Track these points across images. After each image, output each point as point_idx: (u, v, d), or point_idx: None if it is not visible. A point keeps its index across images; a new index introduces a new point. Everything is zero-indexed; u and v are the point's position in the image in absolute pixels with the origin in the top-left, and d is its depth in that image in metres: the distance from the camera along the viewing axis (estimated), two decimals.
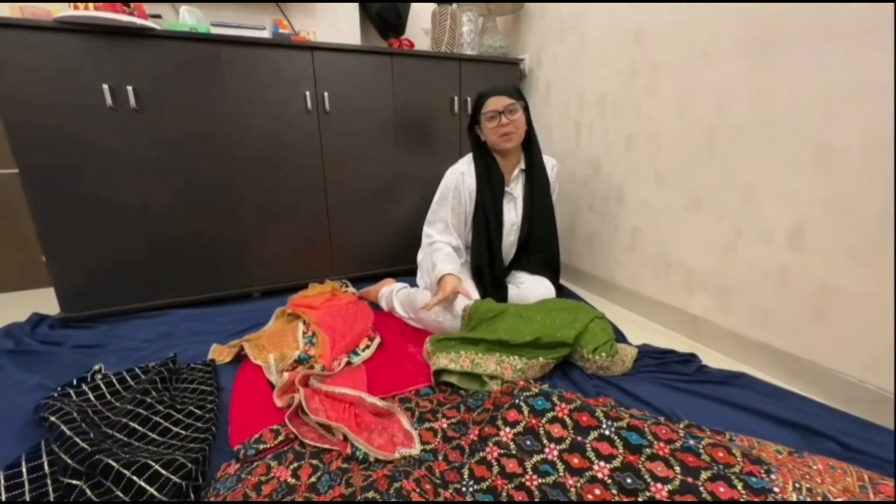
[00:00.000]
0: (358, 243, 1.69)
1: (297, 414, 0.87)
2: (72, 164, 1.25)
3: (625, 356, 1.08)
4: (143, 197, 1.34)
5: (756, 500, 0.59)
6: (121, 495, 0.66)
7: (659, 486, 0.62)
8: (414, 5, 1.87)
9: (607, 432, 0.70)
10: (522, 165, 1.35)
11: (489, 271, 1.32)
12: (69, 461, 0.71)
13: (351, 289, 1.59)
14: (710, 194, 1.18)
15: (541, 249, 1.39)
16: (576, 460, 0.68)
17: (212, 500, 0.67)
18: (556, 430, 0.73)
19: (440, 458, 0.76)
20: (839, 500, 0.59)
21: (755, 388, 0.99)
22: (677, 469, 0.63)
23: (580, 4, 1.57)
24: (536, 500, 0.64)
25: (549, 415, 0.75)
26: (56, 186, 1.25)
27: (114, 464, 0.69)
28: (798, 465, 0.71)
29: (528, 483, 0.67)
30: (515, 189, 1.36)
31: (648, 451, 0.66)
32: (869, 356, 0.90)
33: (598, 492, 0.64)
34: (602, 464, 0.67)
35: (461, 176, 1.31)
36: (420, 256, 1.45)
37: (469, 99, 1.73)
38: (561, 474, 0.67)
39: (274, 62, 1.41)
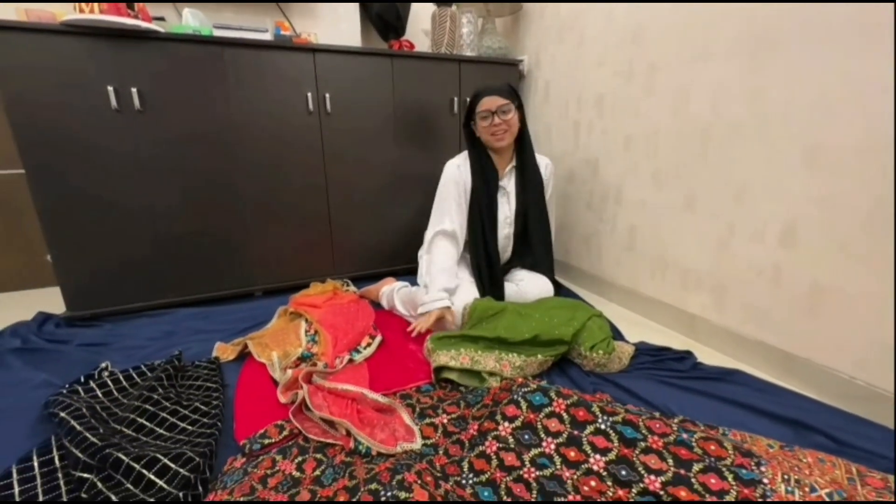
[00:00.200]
0: (359, 243, 1.71)
1: (301, 410, 0.89)
2: (77, 164, 1.27)
3: (622, 353, 1.10)
4: (146, 197, 1.36)
5: (746, 491, 0.61)
6: (131, 488, 0.68)
7: (652, 477, 0.64)
8: (414, 7, 1.89)
9: (603, 426, 0.72)
10: (515, 162, 1.37)
11: (486, 267, 1.34)
12: (80, 455, 0.73)
13: (352, 288, 1.61)
14: (705, 194, 1.20)
15: (536, 245, 1.41)
16: (572, 453, 0.70)
17: (226, 498, 0.68)
18: (554, 424, 0.75)
19: (441, 452, 0.78)
20: (842, 500, 0.61)
21: (749, 385, 1.01)
22: (670, 461, 0.65)
23: (578, 5, 1.59)
24: (534, 491, 0.66)
25: (547, 410, 0.77)
26: (61, 186, 1.27)
27: (124, 457, 0.71)
28: (788, 458, 0.73)
29: (526, 475, 0.69)
30: (508, 184, 1.39)
31: (643, 444, 0.68)
32: (860, 353, 0.92)
33: (593, 483, 0.66)
34: (598, 457, 0.69)
35: (457, 168, 1.35)
36: (422, 252, 1.48)
37: (469, 100, 1.74)
38: (558, 467, 0.69)
39: (276, 64, 1.43)
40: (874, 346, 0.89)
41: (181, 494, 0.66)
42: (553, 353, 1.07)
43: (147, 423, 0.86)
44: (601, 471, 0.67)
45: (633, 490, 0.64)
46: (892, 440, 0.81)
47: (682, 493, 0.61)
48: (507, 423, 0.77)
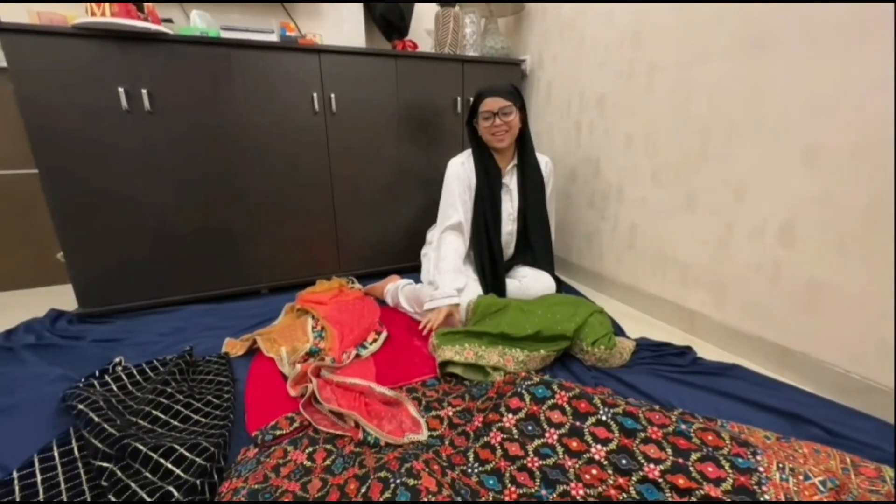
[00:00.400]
0: (363, 241, 1.74)
1: (311, 403, 0.92)
2: (89, 164, 1.29)
3: (623, 349, 1.12)
4: (156, 196, 1.39)
5: (742, 479, 0.63)
6: (149, 476, 0.71)
7: (652, 466, 0.66)
8: (417, 7, 1.91)
9: (604, 418, 0.75)
10: (516, 161, 1.40)
11: (489, 264, 1.37)
12: (99, 445, 0.76)
13: (357, 285, 1.63)
14: (705, 192, 1.22)
15: (536, 241, 1.44)
16: (574, 444, 0.72)
17: (241, 486, 0.71)
18: (556, 416, 0.77)
19: (447, 442, 0.80)
20: (834, 487, 0.63)
21: (747, 379, 1.03)
22: (669, 451, 0.68)
23: (579, 6, 1.61)
24: (538, 479, 0.69)
25: (550, 402, 0.79)
26: (73, 186, 1.29)
27: (141, 447, 0.74)
28: (784, 448, 0.75)
29: (529, 465, 0.71)
30: (511, 182, 1.41)
31: (642, 434, 0.71)
32: (856, 348, 0.94)
33: (594, 472, 0.68)
34: (599, 447, 0.71)
35: (461, 165, 1.38)
36: (425, 250, 1.51)
37: (472, 100, 1.76)
38: (560, 457, 0.71)
39: (282, 65, 1.46)
40: (870, 340, 0.91)
41: (198, 482, 0.69)
42: (555, 349, 1.09)
43: (162, 416, 0.89)
44: (602, 460, 0.69)
45: (633, 478, 0.66)
46: (885, 431, 0.83)
47: (681, 481, 0.64)
48: (510, 415, 0.79)
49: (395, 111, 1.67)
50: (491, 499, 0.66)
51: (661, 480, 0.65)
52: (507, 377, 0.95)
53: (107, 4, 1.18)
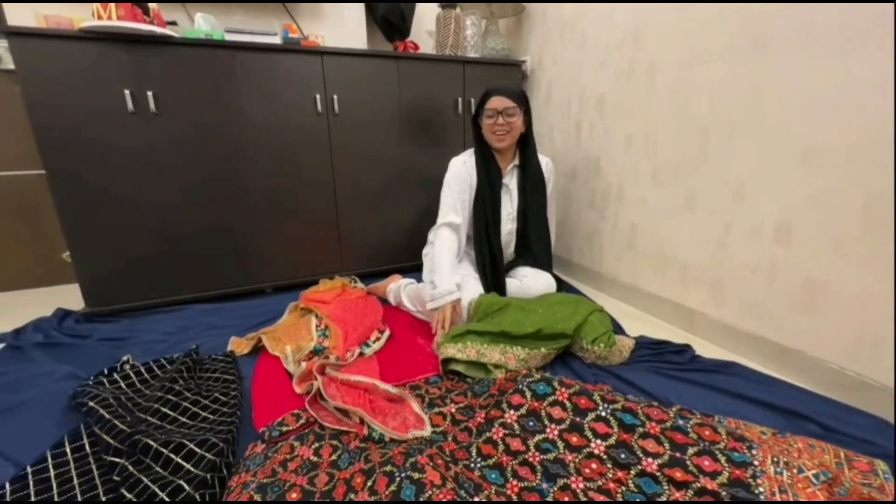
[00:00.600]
0: (366, 240, 1.76)
1: (316, 400, 0.93)
2: (95, 165, 1.31)
3: (622, 347, 1.14)
4: (161, 196, 1.41)
5: (737, 472, 0.65)
6: (160, 471, 0.73)
7: (650, 460, 0.68)
8: (418, 8, 1.92)
9: (603, 413, 0.76)
10: (517, 162, 1.42)
11: (490, 263, 1.39)
12: (111, 441, 0.77)
13: (360, 284, 1.65)
14: (704, 192, 1.24)
15: (535, 242, 1.46)
16: (574, 439, 0.74)
17: (250, 480, 0.73)
18: (557, 412, 0.79)
19: (450, 438, 0.82)
20: (827, 480, 0.65)
21: (744, 376, 1.05)
22: (667, 445, 0.69)
23: (579, 7, 1.62)
24: (539, 473, 0.70)
25: (550, 398, 0.81)
26: (80, 187, 1.31)
27: (152, 443, 0.75)
28: (779, 443, 0.77)
29: (530, 459, 0.73)
30: (511, 182, 1.43)
31: (641, 429, 0.72)
32: (851, 345, 0.96)
33: (594, 466, 0.70)
34: (598, 442, 0.73)
35: (463, 164, 1.40)
36: (426, 250, 1.53)
37: (473, 100, 1.79)
38: (561, 451, 0.73)
39: (285, 66, 1.47)
40: (864, 338, 0.93)
41: (208, 476, 0.70)
42: (556, 347, 1.11)
43: (170, 413, 0.90)
44: (602, 454, 0.71)
45: (632, 472, 0.68)
46: (878, 427, 0.85)
47: (678, 474, 0.65)
48: (512, 411, 0.81)
49: (397, 112, 1.68)
50: (493, 492, 0.68)
51: (658, 474, 0.66)
52: (508, 374, 0.97)
53: (113, 8, 1.20)
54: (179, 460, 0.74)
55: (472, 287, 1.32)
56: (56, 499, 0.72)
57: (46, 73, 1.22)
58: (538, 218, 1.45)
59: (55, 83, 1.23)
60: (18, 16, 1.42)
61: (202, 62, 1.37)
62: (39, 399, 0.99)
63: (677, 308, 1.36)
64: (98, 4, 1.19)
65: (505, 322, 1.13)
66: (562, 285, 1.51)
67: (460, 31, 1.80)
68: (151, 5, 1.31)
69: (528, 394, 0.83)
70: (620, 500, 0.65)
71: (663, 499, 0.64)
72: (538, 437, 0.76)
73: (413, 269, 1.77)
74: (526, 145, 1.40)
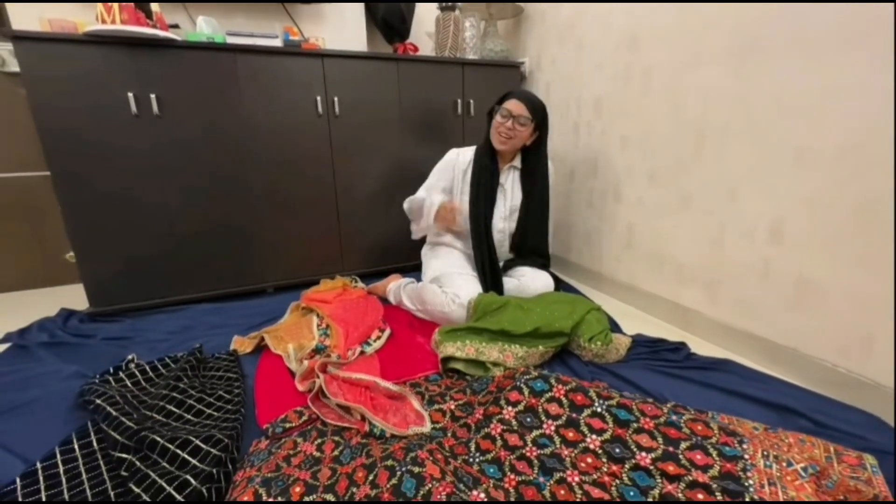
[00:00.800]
0: (366, 241, 1.78)
1: (318, 397, 0.95)
2: (99, 166, 1.33)
3: (619, 345, 1.16)
4: (164, 198, 1.43)
5: (728, 465, 0.67)
6: (167, 466, 0.75)
7: (643, 454, 0.70)
8: (417, 11, 1.94)
9: (599, 409, 0.78)
10: (516, 164, 1.44)
11: (489, 263, 1.40)
12: (118, 437, 0.79)
13: (360, 284, 1.67)
14: (699, 193, 1.26)
15: (535, 241, 1.48)
16: (570, 434, 0.76)
17: (254, 475, 0.75)
18: (554, 408, 0.81)
19: (449, 434, 0.84)
20: (815, 473, 0.67)
21: (738, 373, 1.07)
22: (660, 440, 0.71)
23: (577, 10, 1.64)
24: (536, 467, 0.72)
25: (548, 395, 0.83)
26: (85, 188, 1.33)
27: (159, 439, 0.77)
28: (771, 438, 0.79)
29: (528, 454, 0.75)
30: (506, 181, 1.45)
31: (635, 425, 0.74)
32: (842, 342, 0.98)
33: (589, 460, 0.72)
34: (594, 437, 0.75)
35: (457, 155, 1.47)
36: (425, 250, 1.57)
37: (472, 101, 1.80)
38: (557, 446, 0.75)
39: (286, 69, 1.49)
40: (854, 335, 0.95)
41: (214, 471, 0.72)
42: (554, 345, 1.13)
43: (175, 410, 0.92)
44: (597, 449, 0.73)
45: (626, 465, 0.70)
46: (868, 422, 0.87)
47: (670, 468, 0.67)
48: (510, 408, 0.83)
49: (397, 113, 1.70)
50: (491, 486, 0.69)
51: (651, 468, 0.68)
52: (506, 372, 0.99)
53: (117, 12, 1.21)
54: (186, 456, 0.75)
55: (471, 286, 1.34)
56: (66, 493, 0.74)
57: (51, 76, 1.23)
58: (537, 219, 1.46)
59: (60, 86, 1.24)
60: (23, 20, 1.43)
61: (204, 65, 1.39)
62: (46, 397, 1.01)
63: (673, 306, 1.38)
64: (102, 8, 1.21)
65: (503, 321, 1.15)
66: (560, 285, 1.53)
67: (459, 32, 1.82)
68: (154, 8, 1.32)
69: (526, 391, 0.85)
70: (615, 493, 0.67)
71: (656, 492, 0.66)
72: (535, 432, 0.78)
73: (412, 268, 1.79)
74: (536, 152, 1.41)
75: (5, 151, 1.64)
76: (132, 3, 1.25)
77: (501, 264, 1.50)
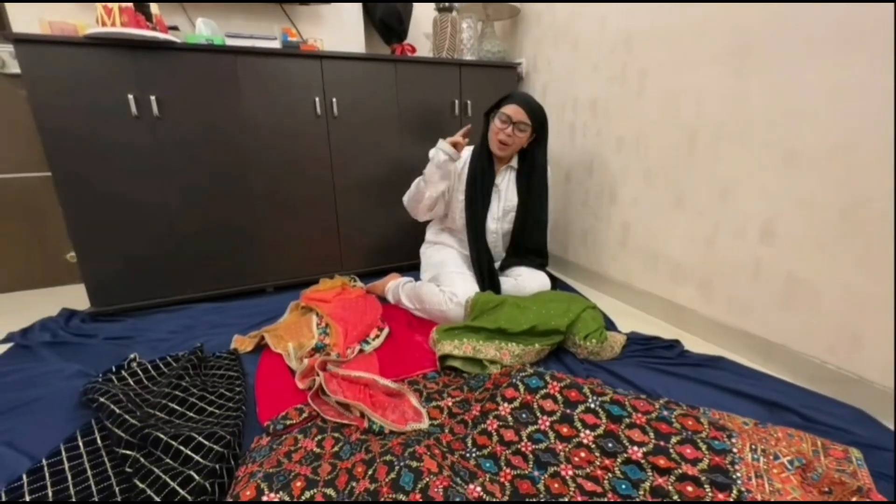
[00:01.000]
0: (365, 241, 1.79)
1: (318, 395, 0.97)
2: (100, 167, 1.34)
3: (614, 342, 1.18)
4: (165, 198, 1.44)
5: (717, 459, 0.69)
6: (170, 462, 0.76)
7: (635, 448, 0.72)
8: (415, 11, 1.95)
9: (593, 405, 0.80)
10: (513, 164, 1.46)
11: (486, 262, 1.42)
12: (122, 434, 0.81)
13: (359, 283, 1.68)
14: (692, 193, 1.28)
15: (532, 241, 1.49)
16: (565, 429, 0.78)
17: (256, 470, 0.77)
18: (549, 404, 0.83)
19: (446, 430, 0.86)
20: (801, 466, 0.69)
21: (730, 370, 1.09)
22: (651, 435, 0.73)
23: (573, 11, 1.65)
24: (531, 462, 0.74)
25: (543, 392, 0.85)
26: (86, 188, 1.34)
27: (162, 436, 0.79)
28: (760, 433, 0.81)
29: (523, 449, 0.77)
30: (502, 183, 1.47)
31: (628, 420, 0.76)
32: (831, 340, 1.00)
33: (583, 454, 0.74)
34: (587, 432, 0.77)
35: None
36: (423, 248, 1.58)
37: (470, 102, 1.82)
38: (552, 441, 0.77)
39: (285, 70, 1.51)
40: (843, 333, 0.97)
41: (216, 466, 0.74)
42: (549, 343, 1.15)
43: (178, 408, 0.94)
44: (590, 444, 0.75)
45: (618, 459, 0.72)
46: (855, 416, 0.89)
47: (661, 462, 0.69)
48: (506, 404, 0.85)
49: (395, 114, 1.72)
50: (487, 479, 0.71)
51: (643, 461, 0.70)
52: (503, 370, 1.01)
53: (117, 15, 1.23)
54: (189, 452, 0.77)
55: (468, 285, 1.35)
56: (72, 489, 0.75)
57: (52, 78, 1.24)
58: (535, 220, 1.48)
59: (60, 88, 1.26)
60: (22, 22, 1.44)
61: (204, 67, 1.40)
62: (50, 396, 1.02)
63: (668, 305, 1.40)
64: (102, 10, 1.22)
65: (500, 319, 1.17)
66: (556, 284, 1.55)
67: (456, 33, 1.83)
68: (154, 10, 1.34)
69: (522, 387, 0.87)
70: (607, 486, 0.69)
71: (647, 485, 0.68)
72: (530, 428, 0.80)
73: (411, 267, 1.80)
74: (532, 159, 1.41)
75: (6, 152, 1.65)
76: (132, 6, 1.26)
77: (498, 264, 1.52)
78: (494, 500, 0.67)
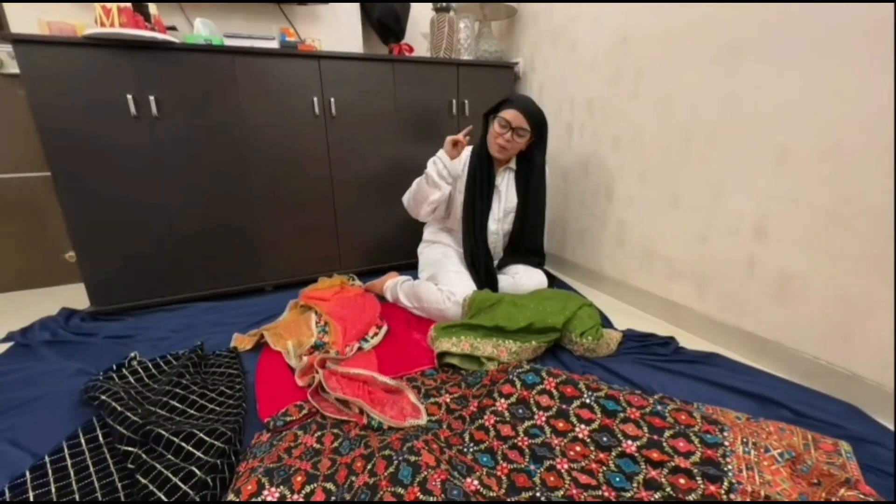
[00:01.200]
0: (364, 240, 1.81)
1: (318, 392, 0.98)
2: (100, 167, 1.35)
3: (610, 339, 1.19)
4: (164, 198, 1.45)
5: (709, 452, 0.70)
6: (172, 458, 0.77)
7: (629, 442, 0.74)
8: (413, 11, 1.96)
9: (588, 401, 0.82)
10: (512, 165, 1.47)
11: (482, 261, 1.43)
12: (124, 431, 0.82)
13: (357, 282, 1.70)
14: (687, 191, 1.29)
15: (530, 241, 1.51)
16: (560, 424, 0.80)
17: (257, 465, 0.78)
18: (545, 400, 0.84)
19: (444, 426, 0.87)
20: (791, 458, 0.70)
21: (724, 366, 1.10)
22: (645, 429, 0.75)
23: (570, 12, 1.67)
24: (527, 456, 0.76)
25: (539, 387, 0.86)
26: (85, 188, 1.35)
27: (164, 433, 0.80)
28: (752, 427, 0.83)
29: (520, 443, 0.78)
30: (501, 183, 1.48)
31: (622, 415, 0.78)
32: (822, 335, 1.01)
33: (578, 448, 0.75)
34: (582, 427, 0.78)
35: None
36: (421, 248, 1.59)
37: (467, 102, 1.83)
38: (548, 436, 0.79)
39: (283, 70, 1.51)
40: (835, 329, 0.99)
41: (218, 462, 0.75)
42: (546, 340, 1.17)
43: (179, 405, 0.95)
44: (585, 438, 0.77)
45: (613, 453, 0.73)
46: (846, 411, 0.91)
47: (654, 455, 0.71)
48: (503, 400, 0.86)
49: (393, 114, 1.72)
50: (485, 473, 0.73)
51: (637, 455, 0.72)
52: (500, 366, 1.02)
53: (115, 15, 1.23)
54: (190, 448, 0.78)
55: (465, 284, 1.37)
56: (74, 486, 0.76)
57: (51, 78, 1.25)
58: (534, 221, 1.49)
59: (60, 88, 1.26)
60: (21, 22, 1.44)
61: (202, 67, 1.41)
62: (51, 394, 1.03)
63: (663, 302, 1.41)
64: (100, 10, 1.22)
65: (498, 317, 1.18)
66: (553, 282, 1.56)
67: (454, 33, 1.84)
68: (152, 10, 1.34)
69: (518, 383, 0.88)
70: (601, 479, 0.70)
71: (640, 477, 0.69)
72: (527, 423, 0.81)
73: (409, 266, 1.81)
74: (525, 154, 1.43)
75: (5, 152, 1.65)
76: (130, 6, 1.26)
77: (496, 263, 1.53)
78: (491, 493, 0.69)
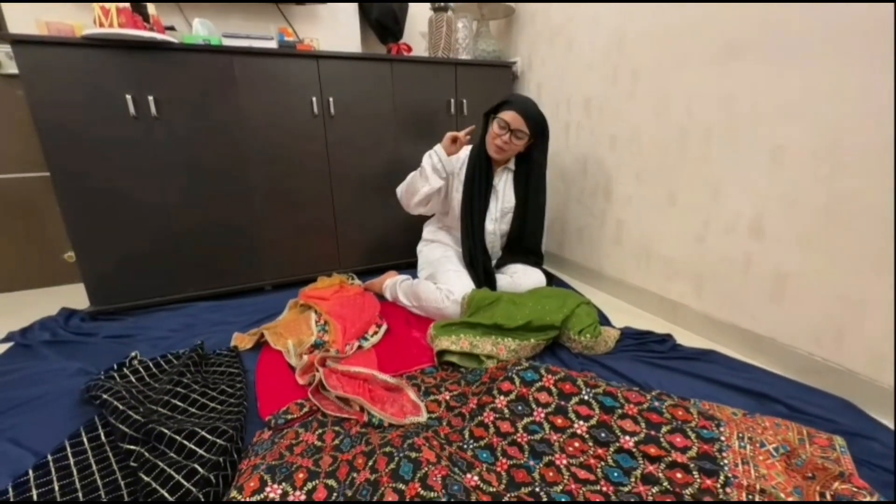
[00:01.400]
0: (363, 239, 1.81)
1: (318, 390, 0.99)
2: (99, 167, 1.35)
3: (608, 337, 1.20)
4: (163, 198, 1.45)
5: (706, 447, 0.71)
6: (174, 456, 0.78)
7: (627, 438, 0.75)
8: (411, 11, 1.96)
9: (586, 397, 0.83)
10: (511, 166, 1.48)
11: (481, 260, 1.44)
12: (126, 430, 0.82)
13: (357, 281, 1.70)
14: (684, 190, 1.30)
15: (529, 240, 1.51)
16: (559, 421, 0.81)
17: (259, 463, 0.78)
18: (543, 397, 0.85)
19: (444, 423, 0.88)
20: (786, 453, 0.72)
21: (721, 363, 1.12)
22: (643, 425, 0.76)
23: (567, 12, 1.67)
24: (526, 452, 0.77)
25: (538, 384, 0.87)
26: (85, 188, 1.35)
27: (166, 431, 0.81)
28: (748, 422, 0.84)
29: (519, 440, 0.79)
30: (500, 183, 1.48)
31: (620, 411, 0.79)
32: (817, 332, 1.03)
33: (577, 444, 0.76)
34: (581, 423, 0.79)
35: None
36: (420, 247, 1.60)
37: (465, 101, 1.84)
38: (546, 432, 0.79)
39: (282, 70, 1.52)
40: (829, 325, 1.00)
41: (220, 460, 0.76)
42: (545, 338, 1.17)
43: (180, 404, 0.95)
44: (584, 434, 0.78)
45: (611, 448, 0.74)
46: (840, 407, 0.92)
47: (652, 450, 0.72)
48: (502, 397, 0.87)
49: (392, 113, 1.73)
50: (484, 469, 0.74)
51: (634, 450, 0.73)
52: (499, 364, 1.03)
53: (114, 15, 1.23)
54: (192, 446, 0.79)
55: (464, 283, 1.37)
56: (77, 483, 0.77)
57: (50, 79, 1.25)
58: (533, 222, 1.49)
59: (59, 88, 1.26)
60: (19, 22, 1.44)
61: (201, 67, 1.41)
62: (52, 394, 1.03)
63: (660, 300, 1.43)
64: (99, 10, 1.23)
65: (497, 315, 1.19)
66: (552, 280, 1.57)
67: (452, 33, 1.85)
68: (151, 11, 1.34)
69: (517, 381, 0.89)
70: (600, 474, 0.71)
71: (638, 472, 0.70)
72: (526, 419, 0.82)
73: (408, 265, 1.82)
74: (529, 162, 1.43)
75: (4, 153, 1.65)
76: (129, 6, 1.27)
77: (494, 262, 1.54)
78: (491, 488, 0.70)
